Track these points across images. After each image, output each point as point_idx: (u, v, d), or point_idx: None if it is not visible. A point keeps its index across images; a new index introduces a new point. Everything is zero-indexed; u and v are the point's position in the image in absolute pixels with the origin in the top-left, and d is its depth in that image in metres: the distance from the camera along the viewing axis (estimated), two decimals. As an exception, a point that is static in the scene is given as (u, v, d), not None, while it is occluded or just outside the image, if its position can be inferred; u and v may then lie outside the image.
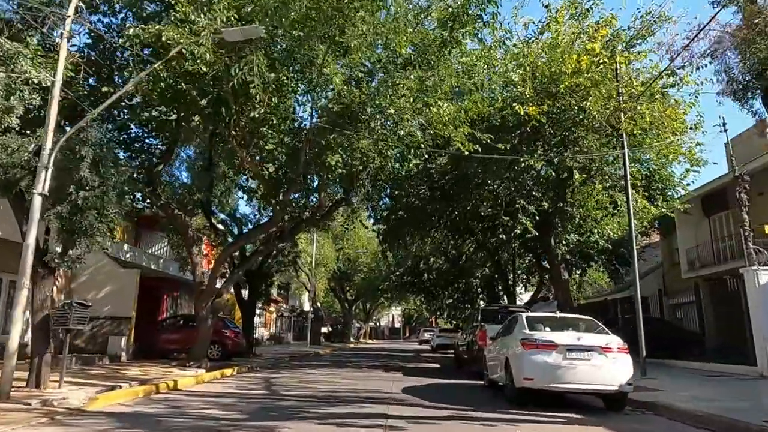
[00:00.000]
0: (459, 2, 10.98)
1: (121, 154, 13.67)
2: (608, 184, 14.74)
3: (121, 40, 10.40)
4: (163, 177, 15.98)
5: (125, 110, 12.89)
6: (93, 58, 11.43)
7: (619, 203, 14.29)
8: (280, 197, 14.88)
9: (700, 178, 40.89)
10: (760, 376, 11.92)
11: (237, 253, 20.18)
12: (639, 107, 12.32)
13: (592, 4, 13.39)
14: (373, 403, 8.70)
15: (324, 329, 45.61)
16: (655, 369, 12.68)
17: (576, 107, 12.86)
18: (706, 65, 12.15)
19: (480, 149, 12.11)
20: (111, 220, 9.50)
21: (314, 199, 17.27)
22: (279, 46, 11.40)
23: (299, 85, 11.96)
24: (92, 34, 11.47)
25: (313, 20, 9.99)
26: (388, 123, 12.16)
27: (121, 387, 9.35)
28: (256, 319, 30.20)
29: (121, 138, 13.66)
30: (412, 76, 11.11)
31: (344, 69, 11.43)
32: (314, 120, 12.74)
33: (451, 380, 13.25)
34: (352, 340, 50.05)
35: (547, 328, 9.15)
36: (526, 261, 26.13)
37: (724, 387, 10.61)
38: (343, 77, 11.02)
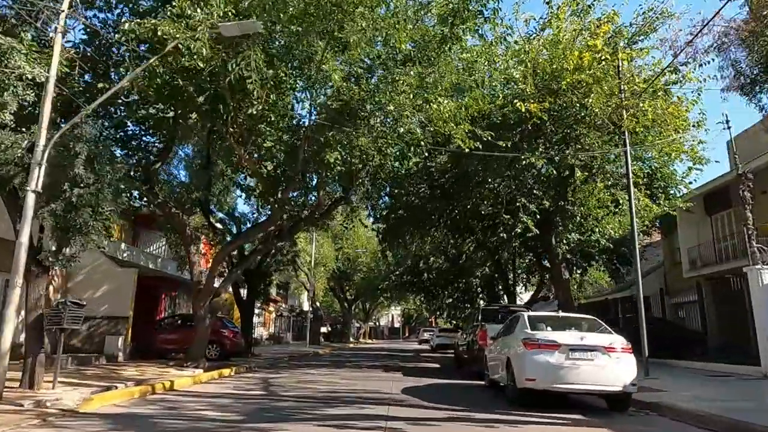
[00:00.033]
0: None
1: (118, 152, 13.57)
2: (610, 183, 14.60)
3: (116, 35, 10.25)
4: (161, 175, 15.84)
5: (122, 107, 12.77)
6: (89, 54, 11.28)
7: (620, 202, 14.15)
8: (279, 195, 14.73)
9: (702, 177, 40.80)
10: (764, 376, 11.79)
11: (235, 252, 20.03)
12: (642, 104, 12.18)
13: (594, 1, 13.25)
14: (372, 403, 8.56)
15: (323, 329, 45.49)
16: (657, 369, 12.55)
17: (578, 104, 12.72)
18: (709, 62, 11.97)
19: (481, 147, 11.97)
20: (106, 218, 9.40)
21: (313, 198, 17.14)
22: (277, 43, 11.28)
23: (298, 81, 11.82)
24: (88, 29, 11.34)
25: (311, 15, 9.86)
26: (388, 120, 12.01)
27: (116, 387, 9.22)
28: (255, 319, 30.06)
29: (118, 135, 13.54)
30: (411, 73, 10.98)
31: (343, 65, 11.31)
32: (313, 117, 12.61)
33: (452, 380, 13.12)
34: (351, 339, 49.94)
35: (549, 328, 9.01)
36: (527, 260, 26.01)
37: (728, 387, 10.49)
38: (342, 74, 10.90)
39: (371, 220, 22.08)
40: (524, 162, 13.08)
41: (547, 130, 13.50)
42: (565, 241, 17.10)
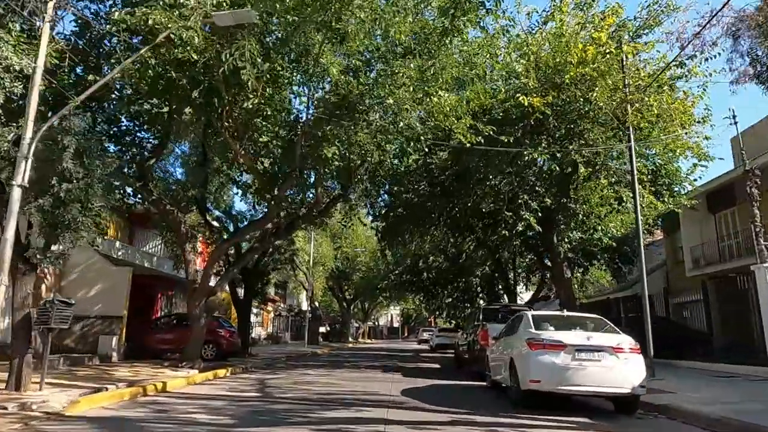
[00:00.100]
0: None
1: (112, 148, 13.28)
2: (613, 180, 14.32)
3: (108, 26, 9.96)
4: (156, 172, 15.54)
5: (116, 102, 12.48)
6: (80, 46, 11.00)
7: (624, 199, 13.87)
8: (275, 192, 14.44)
9: (705, 175, 40.50)
10: (772, 376, 11.53)
11: (233, 251, 19.75)
12: (647, 99, 11.89)
13: (597, -6, 12.97)
14: (371, 406, 8.28)
15: (322, 329, 45.26)
16: (662, 369, 12.27)
17: (581, 99, 12.43)
18: (716, 55, 11.64)
19: (482, 142, 11.69)
20: (96, 213, 9.10)
21: (311, 195, 16.85)
22: (274, 36, 11.00)
23: (294, 75, 11.53)
24: (79, 21, 11.05)
25: (308, 6, 9.57)
26: (387, 115, 11.72)
27: (107, 389, 8.91)
28: (253, 319, 29.83)
29: (112, 131, 13.24)
30: (411, 65, 10.69)
31: (341, 58, 11.02)
32: (310, 112, 12.32)
33: (452, 381, 12.84)
34: (350, 339, 49.68)
35: (554, 328, 8.72)
36: (527, 259, 25.75)
37: (736, 388, 10.23)
38: (340, 67, 10.62)
39: (370, 218, 21.82)
40: (527, 158, 12.79)
41: (550, 125, 13.21)
42: (567, 240, 16.83)
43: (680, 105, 12.57)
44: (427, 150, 13.51)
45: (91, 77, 10.01)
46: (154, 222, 18.63)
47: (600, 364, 7.71)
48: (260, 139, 11.97)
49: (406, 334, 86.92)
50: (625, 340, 8.05)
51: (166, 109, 12.77)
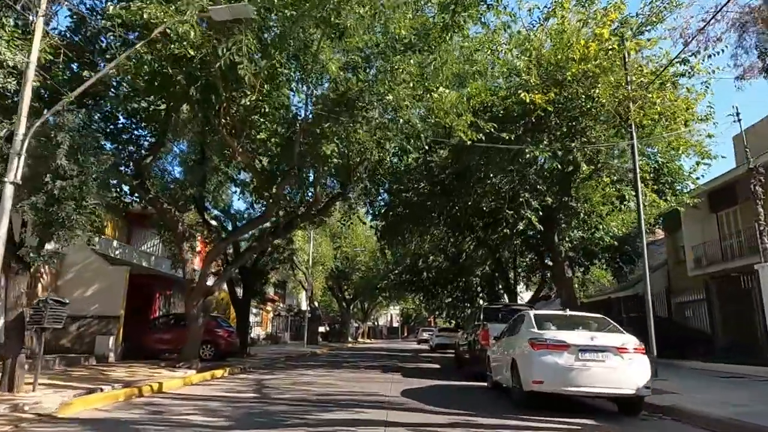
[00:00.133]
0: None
1: (108, 145, 13.11)
2: (615, 178, 14.18)
3: (103, 21, 9.81)
4: (153, 171, 15.38)
5: (112, 99, 12.32)
6: (76, 43, 10.85)
7: (626, 197, 13.72)
8: (274, 190, 14.28)
9: (707, 173, 40.29)
10: (776, 376, 11.39)
11: (231, 250, 19.60)
12: (649, 96, 11.74)
13: (599, -10, 12.81)
14: (370, 407, 8.13)
15: (321, 329, 45.11)
16: (664, 369, 12.13)
17: (583, 96, 12.27)
18: (721, 51, 11.45)
19: (483, 139, 11.54)
20: (91, 211, 8.94)
21: (310, 194, 16.70)
22: (272, 32, 10.84)
23: (293, 71, 11.37)
24: (75, 16, 10.89)
25: (306, 1, 9.41)
26: (387, 112, 11.56)
27: (102, 390, 8.78)
28: (252, 319, 29.68)
29: (108, 129, 13.08)
30: (411, 62, 10.53)
31: (340, 54, 10.86)
32: (309, 109, 12.17)
33: (452, 381, 12.71)
34: (350, 339, 49.54)
35: (556, 327, 8.57)
36: (527, 259, 25.61)
37: (741, 389, 10.08)
38: (339, 63, 10.46)
39: (369, 217, 21.66)
40: (528, 155, 12.64)
41: (552, 122, 13.05)
42: (568, 239, 16.69)
43: (683, 102, 12.43)
44: (427, 148, 13.34)
45: (86, 73, 9.85)
46: (151, 221, 18.49)
47: (604, 365, 7.57)
48: (258, 137, 11.83)
49: (405, 334, 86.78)
50: (630, 340, 7.91)
51: (163, 106, 12.64)
